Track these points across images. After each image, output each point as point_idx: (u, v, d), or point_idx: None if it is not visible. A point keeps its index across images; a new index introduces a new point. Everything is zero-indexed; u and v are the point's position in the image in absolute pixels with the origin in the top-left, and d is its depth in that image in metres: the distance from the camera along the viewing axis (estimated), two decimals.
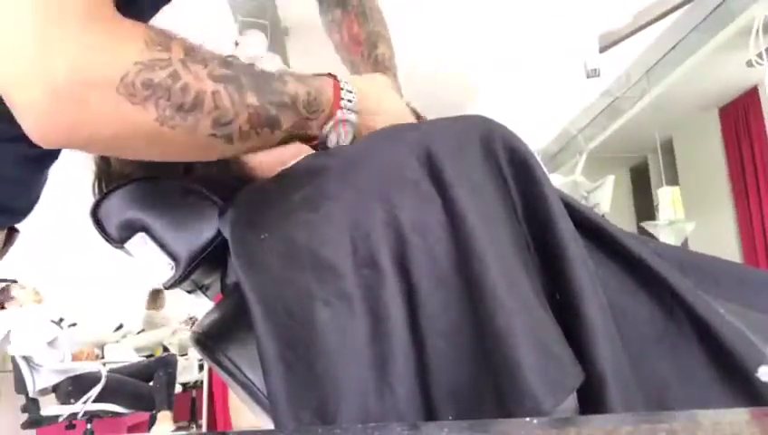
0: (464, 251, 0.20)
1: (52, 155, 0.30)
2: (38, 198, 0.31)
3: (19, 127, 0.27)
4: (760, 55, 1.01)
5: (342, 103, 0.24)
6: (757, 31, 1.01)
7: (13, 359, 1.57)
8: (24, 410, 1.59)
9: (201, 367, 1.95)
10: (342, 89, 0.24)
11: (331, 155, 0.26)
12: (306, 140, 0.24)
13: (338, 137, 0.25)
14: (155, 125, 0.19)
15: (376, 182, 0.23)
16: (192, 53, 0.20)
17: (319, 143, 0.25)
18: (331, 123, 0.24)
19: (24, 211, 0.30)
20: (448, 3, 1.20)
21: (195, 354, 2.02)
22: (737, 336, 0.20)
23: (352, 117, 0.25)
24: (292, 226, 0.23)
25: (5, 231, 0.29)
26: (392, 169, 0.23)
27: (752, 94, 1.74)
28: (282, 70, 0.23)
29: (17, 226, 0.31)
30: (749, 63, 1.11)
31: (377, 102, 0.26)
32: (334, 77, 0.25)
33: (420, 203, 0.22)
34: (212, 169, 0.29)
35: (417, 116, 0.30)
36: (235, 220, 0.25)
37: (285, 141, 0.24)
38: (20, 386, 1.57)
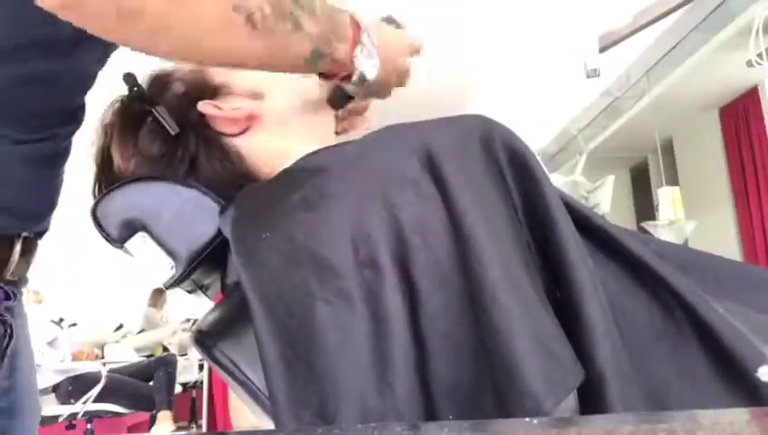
0: (464, 251, 0.20)
1: (56, 155, 0.30)
2: (51, 204, 0.30)
3: (22, 131, 0.26)
4: (760, 55, 1.01)
5: (363, 26, 0.23)
6: (757, 31, 1.01)
7: None
8: None
9: (201, 367, 1.95)
10: (359, 21, 0.23)
11: (330, 153, 0.26)
12: (338, 69, 0.23)
13: (369, 60, 0.23)
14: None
15: (376, 182, 0.23)
16: None
17: (353, 73, 0.23)
18: (359, 47, 0.23)
19: (32, 215, 0.29)
20: (447, 2, 1.20)
21: (195, 354, 2.02)
22: (737, 336, 0.21)
23: (375, 41, 0.24)
24: (292, 225, 0.23)
25: (21, 240, 0.29)
26: (392, 168, 0.23)
27: (752, 94, 1.74)
28: None
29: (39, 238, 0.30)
30: (749, 63, 1.10)
31: (379, 29, 0.25)
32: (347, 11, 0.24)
33: (421, 203, 0.22)
34: (214, 167, 0.29)
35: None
36: (236, 219, 0.25)
37: (313, 65, 0.22)
38: None
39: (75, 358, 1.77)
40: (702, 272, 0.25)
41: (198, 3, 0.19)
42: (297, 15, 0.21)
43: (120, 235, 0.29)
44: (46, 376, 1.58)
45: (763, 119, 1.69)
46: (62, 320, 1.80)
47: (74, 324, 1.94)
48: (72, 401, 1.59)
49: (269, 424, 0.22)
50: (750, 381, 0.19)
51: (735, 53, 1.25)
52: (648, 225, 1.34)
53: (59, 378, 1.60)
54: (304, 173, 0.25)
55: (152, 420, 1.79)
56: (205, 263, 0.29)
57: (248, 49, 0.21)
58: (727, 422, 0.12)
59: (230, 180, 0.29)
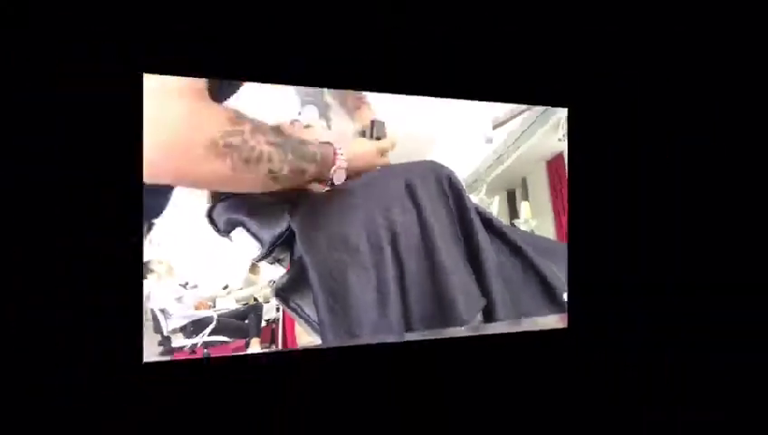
0: (427, 241, 0.23)
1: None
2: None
3: None
4: (564, 135, 1.13)
5: (338, 160, 0.26)
6: (562, 124, 1.14)
7: (152, 311, 1.45)
8: (161, 343, 1.47)
9: (278, 309, 1.84)
10: (336, 152, 0.26)
11: (356, 181, 0.28)
12: (322, 181, 0.26)
13: (339, 178, 0.26)
14: (228, 172, 0.20)
15: (381, 199, 0.25)
16: (257, 126, 0.21)
17: (329, 181, 0.26)
18: (334, 168, 0.26)
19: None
20: (410, 102, 1.22)
21: (274, 302, 1.93)
22: (555, 277, 0.24)
23: (345, 164, 0.26)
24: (333, 224, 0.24)
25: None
26: (389, 190, 0.26)
27: (561, 156, 1.94)
28: (310, 139, 0.24)
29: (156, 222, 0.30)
30: (560, 139, 1.23)
31: (352, 152, 0.27)
32: (332, 144, 0.26)
33: (405, 214, 0.24)
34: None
35: (381, 148, 0.29)
36: (300, 220, 0.27)
37: (310, 182, 0.25)
38: (157, 328, 1.45)
39: (196, 308, 1.66)
40: (539, 245, 0.28)
41: (245, 180, 0.21)
42: (304, 170, 0.23)
43: (226, 229, 0.29)
44: (176, 321, 1.45)
45: (565, 168, 1.87)
46: (186, 283, 1.68)
47: (195, 286, 1.81)
48: (194, 335, 1.48)
49: (318, 340, 0.23)
50: (559, 299, 0.23)
51: (554, 133, 1.38)
52: (515, 222, 1.44)
53: (185, 322, 1.47)
54: (341, 192, 0.27)
55: (247, 344, 1.68)
56: (280, 246, 0.29)
57: (271, 188, 0.23)
58: (547, 323, 0.15)
59: (295, 196, 0.30)
